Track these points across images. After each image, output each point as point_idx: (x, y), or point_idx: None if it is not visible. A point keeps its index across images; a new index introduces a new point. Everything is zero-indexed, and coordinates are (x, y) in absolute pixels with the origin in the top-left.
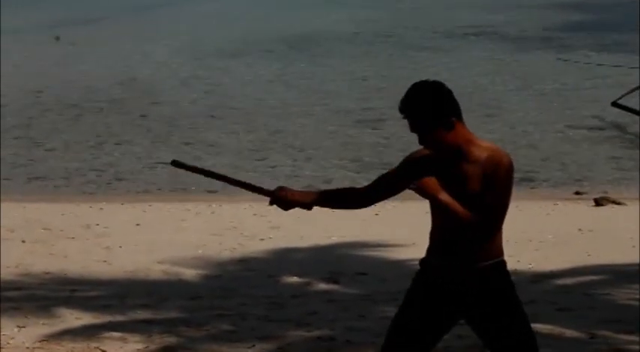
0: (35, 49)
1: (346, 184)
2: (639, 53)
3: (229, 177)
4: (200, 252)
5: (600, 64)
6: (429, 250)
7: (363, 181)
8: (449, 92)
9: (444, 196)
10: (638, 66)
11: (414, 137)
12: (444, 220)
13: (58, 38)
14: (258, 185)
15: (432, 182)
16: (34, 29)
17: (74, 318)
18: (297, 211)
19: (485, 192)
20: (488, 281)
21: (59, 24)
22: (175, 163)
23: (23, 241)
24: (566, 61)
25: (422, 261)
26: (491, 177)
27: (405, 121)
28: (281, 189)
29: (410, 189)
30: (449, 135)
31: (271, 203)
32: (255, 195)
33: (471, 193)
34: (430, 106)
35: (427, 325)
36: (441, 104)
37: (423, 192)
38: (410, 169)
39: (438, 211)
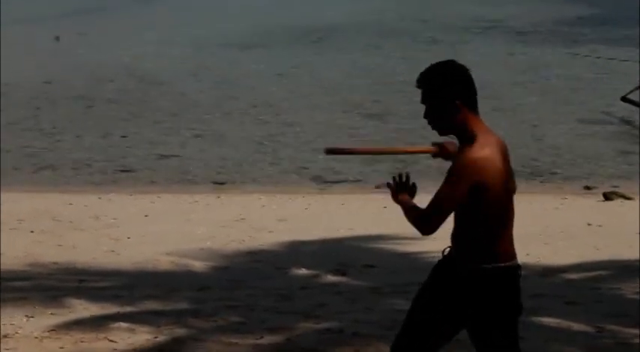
0: (44, 39)
1: (353, 176)
2: None
3: (384, 149)
4: (208, 243)
5: (610, 58)
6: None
7: (370, 173)
8: (462, 77)
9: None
10: None
11: (422, 131)
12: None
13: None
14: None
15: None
16: (41, 19)
17: (83, 308)
18: (304, 204)
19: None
20: (478, 285)
21: (65, 14)
22: (329, 151)
23: (32, 231)
24: (576, 55)
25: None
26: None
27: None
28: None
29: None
30: (448, 117)
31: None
32: (264, 187)
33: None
34: (434, 84)
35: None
36: (445, 84)
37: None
38: None
39: None
